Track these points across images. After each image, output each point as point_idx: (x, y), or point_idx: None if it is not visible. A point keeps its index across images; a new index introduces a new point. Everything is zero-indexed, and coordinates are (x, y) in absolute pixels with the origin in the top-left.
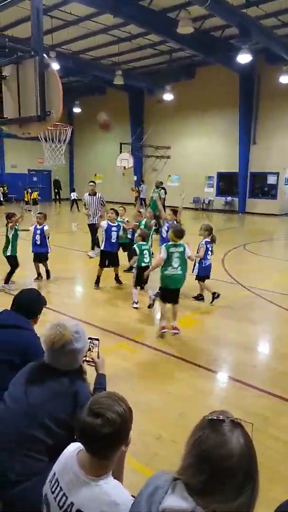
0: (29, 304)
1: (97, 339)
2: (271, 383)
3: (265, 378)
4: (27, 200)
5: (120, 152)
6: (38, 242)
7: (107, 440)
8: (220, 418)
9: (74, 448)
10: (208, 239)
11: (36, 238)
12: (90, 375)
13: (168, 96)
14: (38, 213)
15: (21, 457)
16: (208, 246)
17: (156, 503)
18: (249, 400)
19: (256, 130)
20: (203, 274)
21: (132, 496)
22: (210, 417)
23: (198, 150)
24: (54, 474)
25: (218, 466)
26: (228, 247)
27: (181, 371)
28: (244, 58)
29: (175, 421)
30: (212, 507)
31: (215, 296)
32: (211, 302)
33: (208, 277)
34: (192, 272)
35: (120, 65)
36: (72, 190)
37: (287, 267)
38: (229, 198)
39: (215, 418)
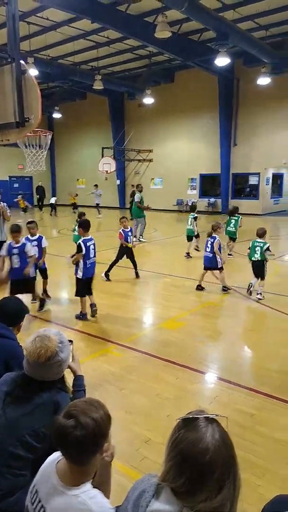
0: (12, 312)
1: (70, 341)
2: (259, 382)
3: (252, 376)
4: (23, 207)
5: (102, 156)
6: (36, 256)
7: (78, 444)
8: (194, 417)
9: (54, 457)
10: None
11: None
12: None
13: (148, 100)
14: (29, 222)
15: (2, 473)
16: (207, 239)
17: (143, 508)
18: (237, 399)
19: (237, 132)
20: (205, 265)
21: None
22: (184, 417)
23: (180, 153)
24: (34, 485)
25: (196, 463)
26: (191, 249)
27: (168, 373)
28: (222, 61)
29: (163, 424)
30: (197, 507)
31: (198, 287)
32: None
33: (208, 268)
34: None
35: (100, 70)
36: (53, 195)
37: (271, 266)
38: (212, 200)
39: (189, 417)
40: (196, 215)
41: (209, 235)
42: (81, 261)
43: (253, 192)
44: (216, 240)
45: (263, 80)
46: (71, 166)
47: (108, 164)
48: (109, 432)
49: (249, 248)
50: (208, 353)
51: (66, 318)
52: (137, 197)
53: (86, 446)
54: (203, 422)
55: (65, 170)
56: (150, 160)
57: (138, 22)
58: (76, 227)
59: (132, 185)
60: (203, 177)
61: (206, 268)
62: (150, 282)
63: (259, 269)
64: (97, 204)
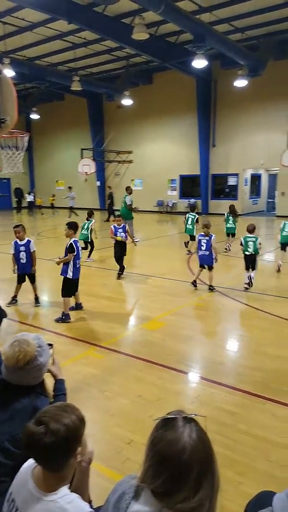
0: None
1: (50, 345)
2: (240, 380)
3: (233, 375)
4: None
5: (81, 157)
6: (24, 261)
7: (49, 451)
8: (172, 417)
9: (29, 464)
10: (202, 233)
11: (21, 256)
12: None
13: (127, 101)
14: (15, 226)
15: None
16: (199, 238)
17: (123, 510)
18: (218, 398)
19: (215, 133)
20: (200, 263)
21: (96, 508)
22: (162, 418)
23: (160, 154)
24: (11, 493)
25: (173, 463)
26: (192, 249)
27: (150, 373)
28: (199, 63)
29: (146, 425)
30: (176, 507)
31: (193, 283)
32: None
33: (203, 267)
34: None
35: (77, 71)
36: (28, 192)
37: None
38: (192, 200)
39: (168, 417)
40: (197, 216)
41: (207, 235)
42: (71, 261)
43: (232, 193)
44: (213, 238)
45: (240, 82)
46: (50, 167)
47: (87, 166)
48: (82, 436)
49: (241, 244)
50: (189, 353)
51: (47, 322)
52: (128, 200)
53: (57, 453)
54: (181, 422)
55: (44, 172)
56: (130, 161)
57: (115, 24)
58: (85, 225)
59: (109, 187)
60: (183, 178)
61: (202, 266)
62: (131, 283)
63: (252, 261)
64: (71, 207)
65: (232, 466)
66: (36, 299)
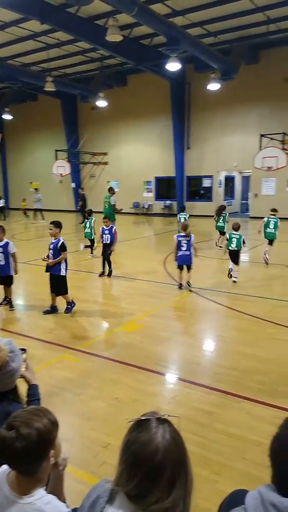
0: None
1: (23, 350)
2: (216, 379)
3: (210, 374)
4: None
5: (56, 159)
6: (2, 263)
7: (20, 455)
8: (145, 418)
9: (4, 468)
10: (181, 234)
11: None
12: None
13: (101, 103)
14: None
15: None
16: (179, 239)
17: None
18: (194, 398)
19: (189, 136)
20: (178, 263)
21: (73, 509)
22: (136, 419)
23: (135, 156)
24: None
25: (146, 465)
26: (168, 250)
27: (127, 376)
28: (173, 66)
29: (123, 427)
30: (150, 509)
31: (179, 286)
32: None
33: (182, 268)
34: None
35: (51, 72)
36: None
37: (225, 265)
38: (168, 202)
39: (141, 419)
40: (188, 214)
41: (186, 236)
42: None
43: (207, 194)
44: (192, 238)
45: (213, 86)
46: (24, 169)
47: (62, 167)
48: (55, 439)
49: (227, 240)
50: (166, 354)
51: (21, 326)
52: (112, 200)
53: (29, 457)
54: (154, 423)
55: (17, 173)
56: (106, 163)
57: (89, 25)
58: (87, 223)
59: (81, 188)
60: (158, 180)
61: (181, 267)
62: (108, 285)
63: (235, 256)
64: (37, 209)
65: (208, 465)
66: (10, 303)
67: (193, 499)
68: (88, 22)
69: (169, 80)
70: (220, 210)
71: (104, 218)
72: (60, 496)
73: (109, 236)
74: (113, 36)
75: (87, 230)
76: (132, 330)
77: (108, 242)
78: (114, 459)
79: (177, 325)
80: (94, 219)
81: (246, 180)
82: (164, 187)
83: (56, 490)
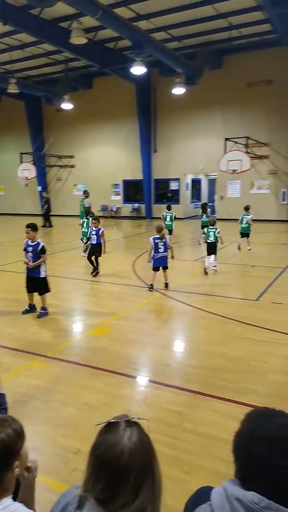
0: None
1: None
2: (185, 380)
3: (180, 375)
4: None
5: (21, 162)
6: None
7: None
8: (114, 421)
9: None
10: (156, 236)
11: None
12: None
13: (67, 106)
14: None
15: None
16: (156, 241)
17: None
18: (165, 399)
19: (156, 139)
20: (155, 265)
21: None
22: (104, 423)
23: (102, 159)
24: None
25: (112, 467)
26: (137, 252)
27: (97, 380)
28: (138, 70)
29: (93, 433)
30: None
31: (150, 287)
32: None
33: (159, 268)
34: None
35: (14, 74)
36: None
37: (193, 267)
38: (136, 205)
39: (109, 422)
40: (174, 213)
41: (162, 238)
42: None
43: (174, 197)
44: (168, 239)
45: (178, 90)
46: None
47: (27, 170)
48: (20, 449)
49: (204, 233)
50: (136, 357)
51: None
52: (86, 203)
53: None
54: (123, 426)
55: None
56: (72, 166)
57: (52, 27)
58: (85, 223)
59: (46, 192)
60: (126, 183)
61: (158, 269)
62: (77, 289)
63: (213, 248)
64: None
65: (178, 465)
66: None
67: (163, 500)
68: (52, 24)
69: (135, 84)
70: (204, 207)
71: (94, 219)
72: (31, 505)
73: (95, 237)
74: (77, 39)
75: (84, 229)
76: (101, 334)
77: (95, 243)
78: (84, 465)
79: (146, 327)
80: (91, 219)
81: (212, 183)
82: (132, 190)
83: (27, 499)
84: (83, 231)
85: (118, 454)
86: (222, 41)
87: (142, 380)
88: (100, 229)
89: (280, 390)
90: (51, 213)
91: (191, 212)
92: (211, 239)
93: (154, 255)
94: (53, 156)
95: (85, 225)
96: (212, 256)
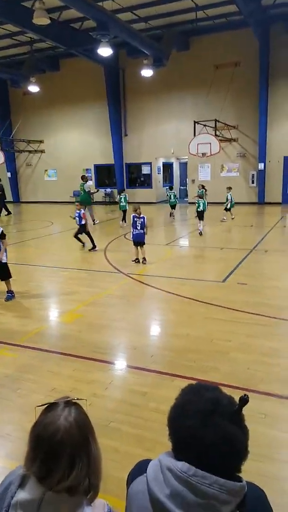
0: None
1: None
2: (152, 361)
3: (146, 357)
4: None
5: None
6: None
7: None
8: (53, 402)
9: None
10: (134, 214)
11: None
12: None
13: (33, 88)
14: None
15: None
16: (135, 219)
17: (8, 500)
18: (131, 380)
19: (126, 122)
20: (134, 240)
21: None
22: (45, 404)
23: (72, 143)
24: None
25: (47, 444)
26: (109, 238)
27: (65, 366)
28: (104, 51)
29: None
30: (55, 488)
31: (136, 260)
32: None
33: (139, 244)
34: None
35: None
36: None
37: (164, 251)
38: (108, 190)
39: (50, 403)
40: (126, 195)
41: (139, 216)
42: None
43: (146, 181)
44: (145, 219)
45: (146, 72)
46: None
47: None
48: None
49: (195, 203)
50: (105, 342)
51: None
52: (86, 187)
53: None
54: (61, 406)
55: None
56: (42, 151)
57: (15, 7)
58: (122, 198)
59: None
60: (97, 167)
61: (137, 244)
62: (45, 276)
63: (202, 215)
64: None
65: (141, 443)
66: None
67: (120, 476)
68: (14, 4)
69: (103, 65)
70: (203, 187)
71: (77, 202)
72: None
73: (78, 219)
74: (40, 19)
75: (122, 203)
76: (71, 321)
77: (79, 224)
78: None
79: (115, 312)
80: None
81: (184, 166)
82: (104, 175)
83: None
84: (121, 205)
85: (53, 432)
86: (189, 22)
87: (109, 364)
88: (81, 211)
89: (240, 366)
90: (6, 200)
91: (164, 196)
92: (201, 208)
93: (132, 231)
94: (22, 141)
95: (123, 199)
96: (201, 222)
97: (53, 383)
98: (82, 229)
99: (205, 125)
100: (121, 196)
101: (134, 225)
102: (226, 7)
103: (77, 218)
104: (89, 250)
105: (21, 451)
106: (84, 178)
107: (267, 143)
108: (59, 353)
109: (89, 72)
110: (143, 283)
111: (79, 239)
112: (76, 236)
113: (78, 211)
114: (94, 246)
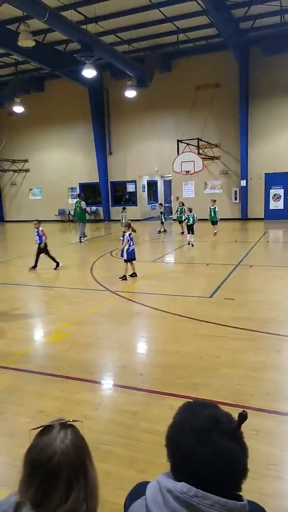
0: None
1: None
2: (141, 380)
3: (135, 375)
4: None
5: None
6: None
7: None
8: (48, 425)
9: None
10: (129, 232)
11: None
12: None
13: (18, 109)
14: None
15: None
16: (131, 237)
17: None
18: (121, 400)
19: (111, 142)
20: (129, 257)
21: None
22: (39, 427)
23: (57, 162)
24: None
25: (43, 469)
26: (95, 256)
27: (52, 387)
28: (89, 73)
29: None
30: None
31: (123, 277)
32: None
33: (134, 259)
34: (122, 257)
35: None
36: None
37: (150, 269)
38: (94, 208)
39: (45, 426)
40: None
41: (134, 231)
42: None
43: (131, 199)
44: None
45: (130, 93)
46: None
47: None
48: None
49: (186, 219)
50: (92, 361)
51: None
52: (83, 205)
53: None
54: (57, 429)
55: None
56: (27, 170)
57: (0, 30)
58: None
59: None
60: (83, 186)
61: (132, 260)
62: (31, 296)
63: (192, 228)
64: None
65: (134, 464)
66: None
67: (114, 501)
68: None
69: (87, 86)
70: (183, 204)
71: (34, 221)
72: None
73: (37, 237)
74: (25, 42)
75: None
76: (57, 340)
77: (39, 242)
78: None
79: (102, 331)
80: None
81: (168, 183)
82: (90, 193)
83: None
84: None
85: (49, 456)
86: (170, 44)
87: (98, 384)
88: (39, 229)
89: (230, 382)
90: None
91: (149, 213)
92: (191, 222)
93: (128, 248)
94: (6, 161)
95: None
96: (191, 235)
97: (40, 405)
98: (44, 246)
99: (188, 144)
100: (122, 214)
101: (131, 241)
102: (206, 30)
103: (36, 237)
104: (55, 268)
105: (8, 476)
106: (81, 196)
107: (248, 161)
108: (46, 374)
109: (74, 93)
110: (130, 300)
111: (52, 258)
112: (49, 256)
113: (37, 229)
114: (57, 262)
